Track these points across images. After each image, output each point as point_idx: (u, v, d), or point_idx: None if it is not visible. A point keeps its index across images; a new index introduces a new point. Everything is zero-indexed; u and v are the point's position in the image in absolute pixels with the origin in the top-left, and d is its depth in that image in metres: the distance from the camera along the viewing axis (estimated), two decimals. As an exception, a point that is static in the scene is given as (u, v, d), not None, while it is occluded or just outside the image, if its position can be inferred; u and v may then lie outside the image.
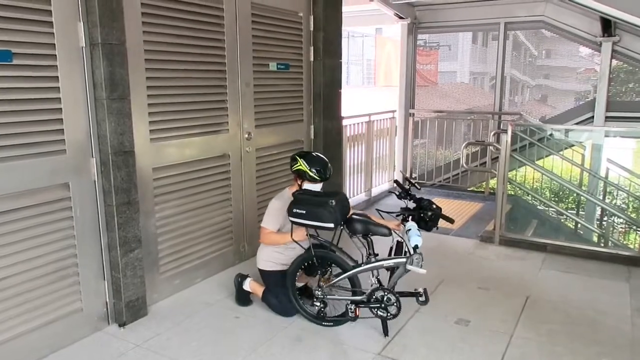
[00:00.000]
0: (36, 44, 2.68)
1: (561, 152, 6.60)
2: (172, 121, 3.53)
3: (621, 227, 8.10)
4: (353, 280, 3.16)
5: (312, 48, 4.80)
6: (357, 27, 16.29)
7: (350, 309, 3.08)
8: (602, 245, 5.69)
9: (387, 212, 3.23)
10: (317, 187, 3.26)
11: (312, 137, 4.97)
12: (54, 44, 2.75)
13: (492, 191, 6.46)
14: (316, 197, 3.09)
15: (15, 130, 2.64)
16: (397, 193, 3.28)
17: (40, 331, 2.84)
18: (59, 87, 2.80)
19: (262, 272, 3.43)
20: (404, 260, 2.95)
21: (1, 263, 2.65)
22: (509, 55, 7.44)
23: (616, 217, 7.25)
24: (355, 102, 9.97)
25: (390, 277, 3.09)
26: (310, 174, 3.19)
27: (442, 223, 3.17)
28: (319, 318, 3.24)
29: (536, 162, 5.98)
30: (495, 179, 5.12)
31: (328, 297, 3.20)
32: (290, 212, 3.08)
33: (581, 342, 3.05)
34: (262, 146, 4.35)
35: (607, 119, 6.29)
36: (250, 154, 4.23)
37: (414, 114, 7.19)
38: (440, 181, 7.11)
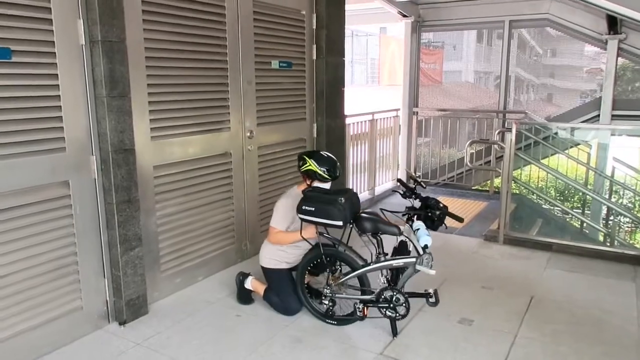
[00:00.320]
0: (35, 42, 2.67)
1: (566, 151, 6.54)
2: (173, 119, 3.51)
3: (627, 227, 8.02)
4: (362, 279, 3.13)
5: (314, 46, 4.77)
6: (361, 26, 16.26)
7: (359, 308, 3.05)
8: (608, 244, 5.63)
9: (392, 212, 3.20)
10: (326, 186, 3.24)
11: (315, 135, 4.94)
12: (54, 42, 2.74)
13: (496, 190, 6.41)
14: (326, 195, 3.07)
15: (14, 128, 2.63)
16: (402, 192, 3.24)
17: (40, 329, 2.83)
18: (58, 85, 2.79)
19: (265, 269, 3.41)
20: (414, 260, 2.91)
21: (1, 260, 2.64)
22: (514, 53, 7.38)
23: (622, 217, 7.18)
24: (359, 101, 9.94)
25: (394, 276, 3.06)
26: (321, 173, 3.17)
27: (450, 222, 3.13)
28: (327, 316, 3.22)
29: (541, 161, 5.92)
30: (500, 177, 5.08)
31: (337, 295, 3.18)
32: (299, 210, 3.05)
33: (586, 342, 3.00)
34: (264, 144, 4.33)
35: (614, 117, 6.23)
36: (252, 152, 4.21)
37: (417, 113, 7.14)
38: (444, 180, 7.07)
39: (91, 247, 3.05)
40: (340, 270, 3.22)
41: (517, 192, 6.94)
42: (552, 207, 6.93)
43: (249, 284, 3.51)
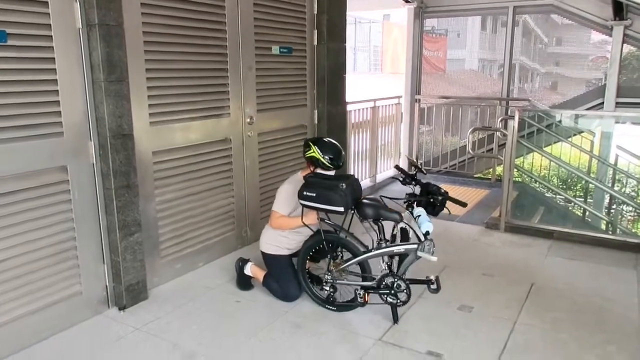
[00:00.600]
0: (31, 25, 2.64)
1: (570, 139, 6.49)
2: (172, 104, 3.49)
3: (630, 215, 7.99)
4: (363, 266, 3.12)
5: (315, 31, 4.72)
6: (364, 12, 16.11)
7: (360, 294, 3.04)
8: (610, 232, 5.60)
9: (392, 199, 3.18)
10: (329, 174, 3.22)
11: (316, 121, 4.91)
12: (50, 25, 2.70)
13: (498, 178, 6.38)
14: (327, 181, 3.06)
15: (10, 112, 2.60)
16: (401, 179, 3.22)
17: (40, 314, 2.84)
18: (55, 69, 2.76)
19: (265, 255, 3.40)
20: (415, 246, 2.90)
21: (0, 245, 2.64)
22: (519, 41, 7.29)
23: (625, 205, 7.14)
24: (361, 88, 9.88)
25: (394, 263, 3.06)
26: (324, 161, 3.15)
27: (453, 209, 3.10)
28: (328, 302, 3.22)
29: (544, 149, 5.88)
30: (502, 165, 5.04)
31: (337, 281, 3.17)
32: (300, 195, 3.05)
33: (587, 330, 2.99)
34: (265, 131, 4.30)
35: (618, 105, 6.16)
36: (252, 138, 4.18)
37: (419, 100, 7.08)
38: (446, 168, 7.03)
39: (90, 233, 3.04)
40: (342, 257, 3.21)
41: (520, 180, 6.90)
42: (554, 196, 6.90)
43: (249, 270, 3.50)
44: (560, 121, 6.45)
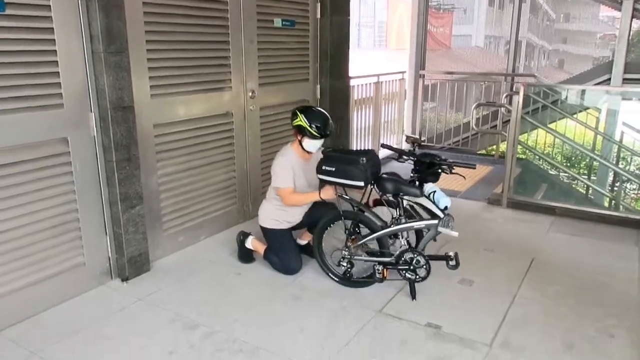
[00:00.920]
0: (29, -7, 2.61)
1: (575, 116, 6.42)
2: (173, 77, 3.46)
3: (633, 193, 7.96)
4: (381, 242, 3.10)
5: (318, 4, 4.65)
6: (369, -12, 15.85)
7: (378, 270, 3.02)
8: (613, 209, 5.59)
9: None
10: (317, 143, 3.18)
11: (318, 96, 4.87)
12: (48, -6, 2.67)
13: (501, 155, 6.34)
14: (347, 155, 3.03)
15: (9, 83, 2.58)
16: (396, 157, 3.17)
17: (44, 284, 2.87)
18: (54, 39, 2.73)
19: (264, 230, 3.41)
20: (436, 222, 2.88)
21: (2, 216, 2.65)
22: (526, 17, 7.17)
23: (629, 184, 7.11)
24: (365, 64, 9.78)
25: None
26: (310, 130, 3.10)
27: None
28: (345, 279, 3.20)
29: (548, 126, 5.82)
30: (506, 142, 5.01)
31: (355, 257, 3.16)
32: (319, 170, 3.03)
33: (586, 304, 3.01)
34: (267, 105, 4.28)
35: (625, 81, 6.08)
36: (254, 112, 4.16)
37: (424, 76, 7.00)
38: (449, 144, 6.99)
39: (92, 205, 3.05)
40: (359, 232, 3.18)
41: (523, 156, 6.86)
42: (557, 173, 6.86)
43: (250, 243, 3.52)
44: (566, 97, 6.38)
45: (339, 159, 2.99)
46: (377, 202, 3.22)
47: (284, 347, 2.57)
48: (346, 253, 3.16)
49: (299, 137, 3.19)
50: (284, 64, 4.43)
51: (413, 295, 3.06)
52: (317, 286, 3.22)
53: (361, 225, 3.18)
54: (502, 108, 6.38)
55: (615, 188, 6.39)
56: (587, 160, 7.16)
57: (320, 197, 3.14)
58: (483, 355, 2.51)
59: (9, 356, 2.48)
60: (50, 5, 2.68)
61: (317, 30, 4.71)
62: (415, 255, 2.98)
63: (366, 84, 6.05)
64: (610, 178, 6.69)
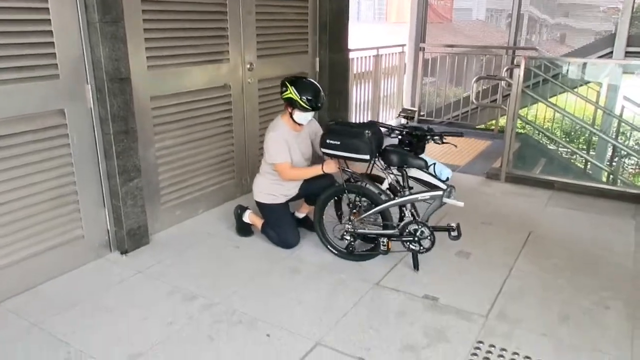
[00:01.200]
0: (21, -40, 2.54)
1: (575, 90, 6.37)
2: (170, 48, 3.41)
3: (631, 168, 7.96)
4: (384, 214, 3.10)
5: (317, -26, 4.55)
6: (369, -41, 15.53)
7: (383, 242, 3.02)
8: (611, 183, 5.59)
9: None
10: (308, 116, 3.15)
11: (317, 69, 4.81)
12: (40, -40, 2.60)
13: (500, 129, 6.32)
14: (351, 129, 3.00)
15: (2, 53, 2.53)
16: (387, 133, 3.13)
17: (43, 256, 2.88)
18: (48, 8, 2.67)
19: (260, 204, 3.40)
20: (441, 193, 2.89)
21: (0, 188, 2.64)
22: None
23: (627, 159, 7.11)
24: (364, 39, 9.65)
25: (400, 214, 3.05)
26: (301, 102, 3.05)
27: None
28: (348, 253, 3.20)
29: (549, 100, 5.78)
30: (506, 116, 4.97)
31: (359, 231, 3.16)
32: (323, 144, 2.99)
33: (583, 277, 3.03)
34: (265, 77, 4.22)
35: (628, 54, 6.00)
36: (252, 85, 4.11)
37: (424, 49, 6.91)
38: (449, 118, 6.95)
39: (90, 177, 3.04)
40: (361, 206, 3.16)
41: (522, 131, 6.84)
42: (557, 148, 6.84)
43: (247, 217, 3.52)
44: (567, 71, 6.31)
45: (344, 132, 2.96)
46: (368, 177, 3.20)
47: (283, 319, 2.60)
48: (349, 227, 3.15)
49: (290, 110, 3.14)
50: (282, 36, 4.36)
51: (416, 266, 3.08)
52: (315, 259, 3.23)
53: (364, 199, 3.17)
54: (502, 82, 6.32)
55: (614, 163, 6.38)
56: (586, 135, 7.14)
57: (323, 171, 3.12)
58: (479, 326, 2.54)
59: (9, 327, 2.51)
60: (42, -27, 2.62)
61: (317, 1, 4.62)
62: (420, 227, 2.99)
63: (366, 57, 5.97)
64: (609, 153, 6.67)
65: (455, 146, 3.08)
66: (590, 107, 6.37)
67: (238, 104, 4.02)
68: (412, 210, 3.05)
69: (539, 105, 6.10)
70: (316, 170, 3.17)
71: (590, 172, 6.40)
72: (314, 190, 3.26)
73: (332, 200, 3.36)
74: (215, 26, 3.70)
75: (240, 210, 3.53)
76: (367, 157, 2.92)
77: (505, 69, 6.26)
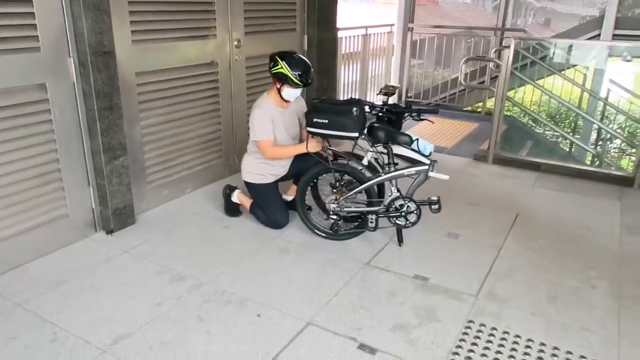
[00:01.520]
0: None
1: (563, 72, 6.39)
2: (155, 22, 3.31)
3: (614, 152, 8.06)
4: (369, 191, 3.09)
5: (306, -51, 4.45)
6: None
7: (371, 219, 3.02)
8: (597, 166, 5.65)
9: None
10: (297, 92, 3.10)
11: (306, 47, 4.73)
12: None
13: (488, 112, 6.32)
14: (337, 106, 2.97)
15: (-19, 23, 2.43)
16: (368, 110, 3.10)
17: (26, 235, 2.80)
18: (27, -24, 2.55)
19: (248, 184, 3.35)
20: (426, 167, 2.91)
21: (-22, 165, 2.56)
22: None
23: (610, 142, 7.18)
24: (352, 18, 9.52)
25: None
26: (292, 78, 2.99)
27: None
28: (333, 232, 3.18)
29: (537, 82, 5.78)
30: (493, 98, 4.97)
31: (345, 209, 3.14)
32: (310, 123, 2.94)
33: (569, 257, 3.06)
34: (252, 55, 4.14)
35: (615, 37, 6.01)
36: (239, 62, 4.02)
37: (412, 29, 6.85)
38: (436, 100, 6.93)
39: (74, 155, 2.95)
40: (345, 185, 3.14)
41: (509, 113, 6.85)
42: (543, 131, 6.89)
43: (236, 197, 3.47)
44: (554, 53, 6.31)
45: (330, 110, 2.92)
46: (337, 157, 3.19)
47: (273, 298, 2.57)
48: (335, 206, 3.13)
49: (278, 86, 3.08)
50: (270, 12, 4.27)
51: (400, 240, 3.10)
52: (304, 240, 3.21)
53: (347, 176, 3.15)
54: (490, 64, 6.30)
55: (599, 145, 6.44)
56: (571, 118, 7.20)
57: (307, 150, 3.07)
58: (469, 305, 2.55)
59: (-7, 307, 2.44)
60: (21, -61, 2.49)
61: (305, -23, 4.53)
62: (407, 202, 2.99)
63: (354, 37, 5.89)
64: (594, 136, 6.74)
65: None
66: (576, 92, 6.40)
67: (225, 82, 3.94)
68: (398, 187, 3.05)
69: (525, 87, 6.11)
70: (300, 149, 3.13)
71: (575, 154, 6.46)
72: (305, 169, 3.21)
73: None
74: (203, 0, 3.59)
75: (229, 190, 3.48)
76: (356, 134, 2.91)
77: (493, 50, 6.24)
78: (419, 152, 2.95)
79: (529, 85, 5.86)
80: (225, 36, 3.84)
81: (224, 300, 2.55)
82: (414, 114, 2.99)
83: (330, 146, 3.10)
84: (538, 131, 6.64)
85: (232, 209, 3.50)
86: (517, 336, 2.33)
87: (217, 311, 2.45)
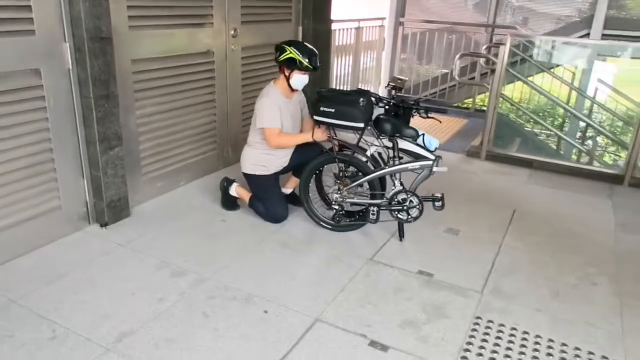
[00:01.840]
0: None
1: (552, 70, 6.44)
2: (152, 8, 3.19)
3: (599, 149, 8.18)
4: (372, 183, 3.06)
5: (304, -62, 4.36)
6: None
7: (373, 211, 2.99)
8: (587, 163, 5.72)
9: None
10: (305, 79, 3.08)
11: (301, 38, 4.65)
12: None
13: (477, 108, 6.34)
14: (344, 96, 2.94)
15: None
16: (376, 103, 3.07)
17: (18, 228, 2.68)
18: (23, -44, 2.42)
19: (248, 177, 3.27)
20: (431, 163, 2.89)
21: (-32, 154, 2.43)
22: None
23: (599, 138, 7.26)
24: (342, 11, 9.44)
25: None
26: (304, 62, 2.98)
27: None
28: (335, 223, 3.15)
29: (528, 79, 5.82)
30: (482, 95, 4.98)
31: (347, 200, 3.10)
32: (317, 111, 2.91)
33: (568, 254, 3.08)
34: (249, 45, 4.05)
35: (604, 36, 6.09)
36: (235, 52, 3.93)
37: (403, 23, 6.82)
38: (426, 96, 6.92)
39: (68, 144, 2.83)
40: (348, 176, 3.11)
41: (500, 110, 6.87)
42: (531, 128, 6.93)
43: (234, 190, 3.40)
44: (544, 51, 6.34)
45: (337, 100, 2.90)
46: (343, 147, 3.15)
47: (278, 294, 2.52)
48: (337, 196, 3.09)
49: (287, 73, 3.05)
50: (267, 1, 4.18)
51: (401, 235, 3.09)
52: (304, 234, 3.16)
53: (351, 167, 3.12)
54: (480, 60, 6.32)
55: (586, 144, 6.53)
56: (557, 116, 7.26)
57: (313, 139, 3.03)
58: (476, 302, 2.55)
59: (-15, 303, 2.33)
60: None
61: (301, -33, 4.45)
62: (409, 196, 2.97)
63: (347, 29, 5.84)
64: (579, 134, 6.81)
65: (440, 122, 3.11)
66: (564, 90, 6.46)
67: (221, 72, 3.84)
68: (401, 180, 3.03)
69: (514, 84, 6.14)
70: (305, 137, 3.09)
71: (561, 151, 6.53)
72: (306, 160, 3.16)
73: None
74: (200, -13, 3.50)
75: (227, 183, 3.40)
76: (362, 125, 2.89)
77: (484, 47, 6.25)
78: (424, 147, 2.92)
79: (518, 82, 5.88)
80: (222, 25, 3.75)
81: (228, 296, 2.48)
82: (421, 111, 2.95)
83: (335, 136, 3.05)
84: (527, 128, 6.68)
85: (230, 203, 3.42)
86: (526, 332, 2.33)
87: (222, 307, 2.39)
